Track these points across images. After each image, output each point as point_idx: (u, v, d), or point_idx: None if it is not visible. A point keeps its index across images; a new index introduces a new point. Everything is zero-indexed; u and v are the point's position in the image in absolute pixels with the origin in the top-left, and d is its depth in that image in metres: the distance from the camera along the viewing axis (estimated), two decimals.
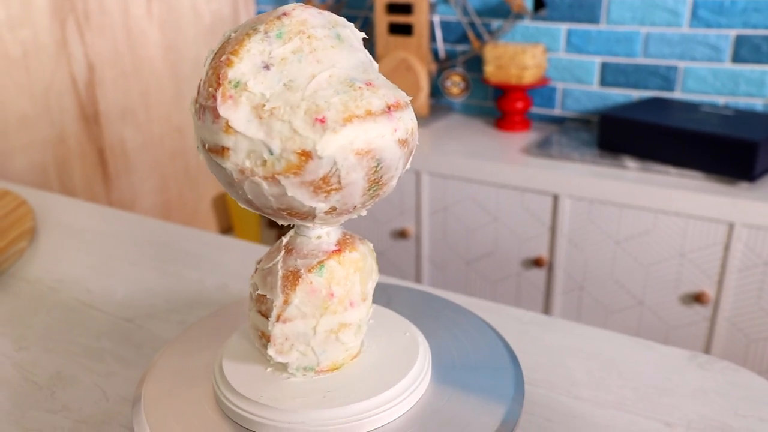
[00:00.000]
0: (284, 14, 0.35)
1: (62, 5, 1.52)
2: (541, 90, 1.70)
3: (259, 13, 2.09)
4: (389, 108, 0.34)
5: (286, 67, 0.34)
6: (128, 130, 1.75)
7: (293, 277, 0.38)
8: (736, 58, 1.46)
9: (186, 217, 1.99)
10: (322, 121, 0.33)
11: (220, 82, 0.34)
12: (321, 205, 0.35)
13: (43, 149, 1.54)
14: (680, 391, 0.50)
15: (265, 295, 0.39)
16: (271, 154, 0.33)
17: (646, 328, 1.36)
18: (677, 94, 1.54)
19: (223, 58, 0.34)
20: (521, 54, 1.55)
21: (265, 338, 0.39)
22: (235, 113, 0.33)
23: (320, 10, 0.36)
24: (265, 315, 0.39)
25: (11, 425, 0.48)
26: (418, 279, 1.60)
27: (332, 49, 0.35)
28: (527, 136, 1.60)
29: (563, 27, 1.62)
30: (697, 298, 1.28)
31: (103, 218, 0.88)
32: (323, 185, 0.34)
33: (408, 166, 0.38)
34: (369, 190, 0.36)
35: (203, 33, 1.93)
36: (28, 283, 0.70)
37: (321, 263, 0.38)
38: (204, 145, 0.36)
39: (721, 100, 1.50)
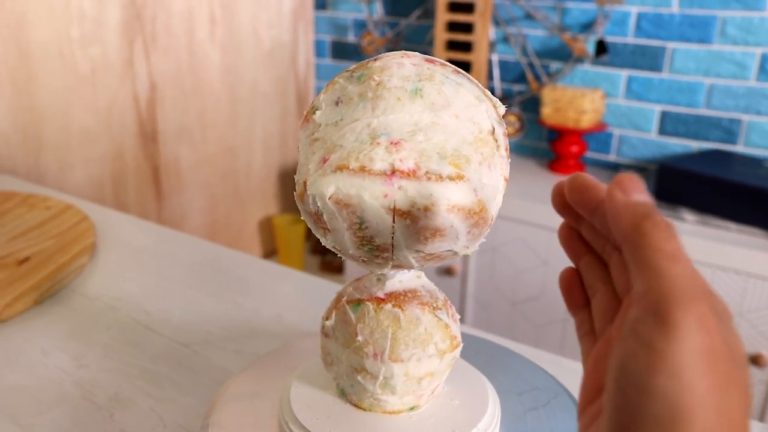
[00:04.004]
0: (376, 59, 0.35)
1: (132, 26, 1.57)
2: (597, 135, 1.69)
3: (316, 41, 2.13)
4: (393, 172, 0.32)
5: (346, 107, 0.35)
6: (183, 149, 1.78)
7: (338, 300, 0.40)
8: None
9: (231, 238, 2.01)
10: (325, 161, 0.33)
11: (312, 103, 0.36)
12: (323, 240, 0.36)
13: (102, 164, 1.58)
14: None
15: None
16: (298, 175, 0.36)
17: None
18: (739, 148, 1.51)
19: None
20: (580, 98, 1.54)
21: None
22: (303, 132, 0.36)
23: (422, 62, 0.35)
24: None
25: None
26: (461, 318, 1.58)
27: (396, 101, 0.34)
28: None
29: (624, 73, 1.61)
30: (754, 360, 1.23)
31: (160, 238, 0.89)
32: (318, 221, 0.35)
33: (467, 249, 0.35)
34: (362, 245, 0.34)
35: (262, 58, 1.96)
36: (88, 299, 0.71)
37: (359, 301, 0.39)
38: None
39: None
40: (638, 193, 0.25)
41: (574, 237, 0.32)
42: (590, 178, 0.30)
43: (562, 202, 0.31)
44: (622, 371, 0.23)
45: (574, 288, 0.33)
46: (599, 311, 0.30)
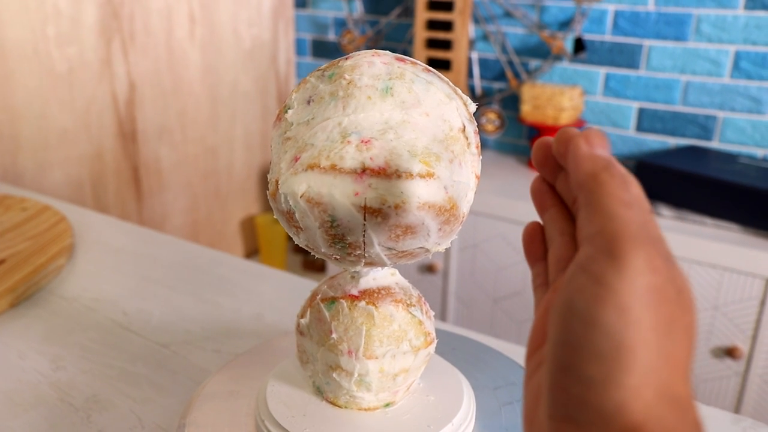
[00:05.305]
0: (347, 57, 0.36)
1: (110, 24, 1.56)
2: None
3: (297, 40, 2.13)
4: (364, 170, 0.32)
5: (318, 106, 0.35)
6: (163, 149, 1.77)
7: (312, 298, 0.40)
8: None
9: (213, 237, 2.00)
10: (296, 160, 0.34)
11: (284, 101, 0.37)
12: (296, 238, 0.36)
13: (80, 164, 1.56)
14: None
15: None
16: (271, 174, 0.36)
17: None
18: (714, 144, 1.53)
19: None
20: (559, 95, 1.55)
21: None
22: (275, 131, 0.37)
23: (393, 61, 0.35)
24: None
25: None
26: (443, 315, 1.59)
27: (367, 100, 0.34)
28: None
29: (602, 71, 1.62)
30: (729, 353, 1.25)
31: (139, 238, 0.88)
32: (290, 220, 0.35)
33: (439, 246, 0.35)
34: (334, 243, 0.34)
35: (242, 57, 1.95)
36: (66, 300, 0.70)
37: (333, 299, 0.39)
38: None
39: (759, 152, 1.48)
40: (602, 148, 0.26)
41: (544, 191, 0.33)
42: (578, 131, 0.30)
43: (544, 155, 0.32)
44: (569, 306, 0.23)
45: (535, 240, 0.33)
46: (554, 260, 0.31)
